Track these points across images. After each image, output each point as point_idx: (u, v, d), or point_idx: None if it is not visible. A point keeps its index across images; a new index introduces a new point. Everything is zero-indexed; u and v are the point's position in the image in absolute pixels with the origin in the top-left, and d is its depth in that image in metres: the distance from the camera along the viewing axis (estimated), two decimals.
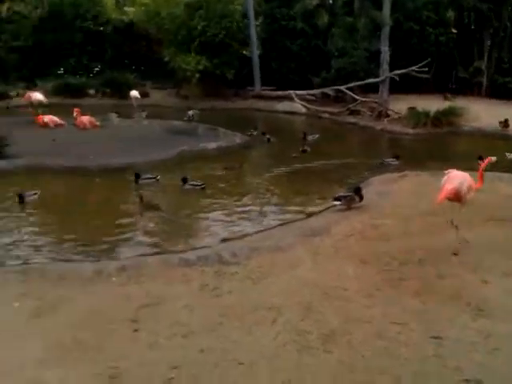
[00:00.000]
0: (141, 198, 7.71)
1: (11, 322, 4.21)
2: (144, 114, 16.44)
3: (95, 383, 3.47)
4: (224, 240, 6.40)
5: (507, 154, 10.41)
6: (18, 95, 18.89)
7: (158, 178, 8.78)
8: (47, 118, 11.34)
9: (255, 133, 13.79)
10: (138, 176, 8.66)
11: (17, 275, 5.14)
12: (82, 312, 4.38)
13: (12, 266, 5.65)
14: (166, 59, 19.69)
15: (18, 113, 15.82)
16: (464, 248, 5.84)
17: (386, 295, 4.82)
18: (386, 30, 16.81)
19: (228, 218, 7.48)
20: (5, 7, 22.32)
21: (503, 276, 5.17)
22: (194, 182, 8.68)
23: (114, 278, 5.01)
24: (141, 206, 7.68)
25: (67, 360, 3.68)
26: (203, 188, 8.63)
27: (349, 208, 7.31)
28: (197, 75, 18.67)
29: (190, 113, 15.39)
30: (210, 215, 7.66)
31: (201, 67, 18.48)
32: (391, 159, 10.58)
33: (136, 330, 4.07)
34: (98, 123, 11.76)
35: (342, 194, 7.43)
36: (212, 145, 11.82)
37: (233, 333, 4.11)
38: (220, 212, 7.77)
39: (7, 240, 6.59)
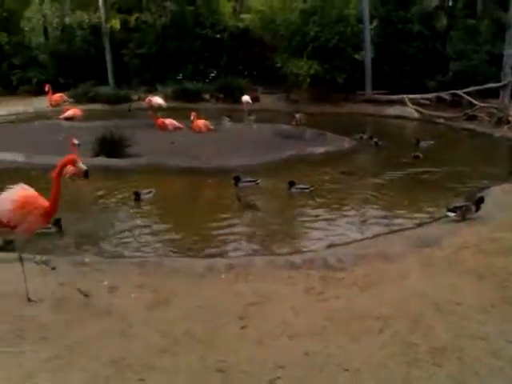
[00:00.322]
0: (239, 199, 8.02)
1: (128, 312, 4.51)
2: (253, 118, 16.89)
3: (203, 375, 3.62)
4: (330, 245, 6.39)
5: None
6: (139, 99, 20.24)
7: (258, 181, 8.92)
8: (167, 121, 12.05)
9: (364, 136, 13.61)
10: (237, 179, 8.87)
11: (134, 267, 5.52)
12: (193, 306, 4.62)
13: (130, 259, 6.12)
14: (279, 65, 20.02)
15: (139, 115, 16.98)
16: None
17: (502, 312, 4.54)
18: (511, 32, 15.73)
19: (334, 223, 7.46)
20: (133, 18, 24.11)
21: None
22: (302, 186, 8.77)
23: (223, 275, 5.23)
24: (241, 207, 7.97)
25: (179, 350, 3.89)
26: (311, 191, 8.69)
27: (463, 219, 6.95)
28: (308, 80, 18.77)
29: (298, 116, 15.53)
30: (316, 219, 7.66)
31: (312, 71, 18.56)
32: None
33: (243, 327, 4.22)
34: (212, 127, 12.28)
35: (457, 204, 7.08)
36: (320, 149, 11.83)
37: (338, 338, 4.10)
38: (326, 216, 7.76)
39: (124, 234, 7.12)
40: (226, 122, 16.03)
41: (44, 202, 4.65)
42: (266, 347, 3.94)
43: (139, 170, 10.06)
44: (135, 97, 20.93)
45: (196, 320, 4.34)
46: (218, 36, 23.92)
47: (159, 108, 14.96)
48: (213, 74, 23.10)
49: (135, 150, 10.85)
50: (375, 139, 12.90)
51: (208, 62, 23.82)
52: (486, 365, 3.79)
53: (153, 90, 21.40)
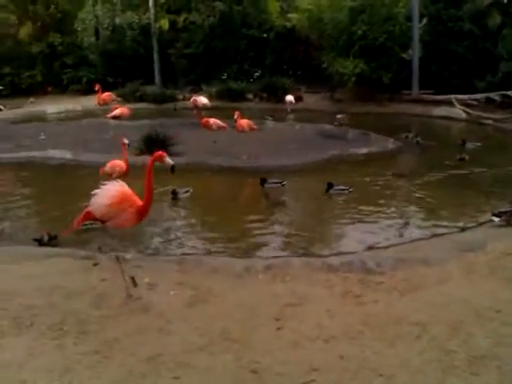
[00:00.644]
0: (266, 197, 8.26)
1: (167, 309, 4.64)
2: (292, 117, 16.85)
3: (238, 375, 3.69)
4: (368, 248, 6.35)
5: None
6: (184, 98, 20.59)
7: (284, 183, 8.84)
8: (212, 121, 12.22)
9: (410, 135, 13.46)
10: (264, 181, 8.83)
11: (174, 265, 5.65)
12: (231, 305, 4.70)
13: (170, 256, 6.26)
14: (325, 65, 19.92)
15: (184, 114, 17.27)
16: None
17: None
18: None
19: (374, 226, 7.38)
20: (181, 18, 24.53)
21: None
22: (341, 187, 8.72)
23: (260, 276, 5.29)
24: (279, 207, 8.09)
25: (214, 349, 3.97)
26: (350, 192, 8.64)
27: (508, 224, 6.76)
28: (353, 79, 18.59)
29: (339, 116, 15.43)
30: (356, 221, 7.61)
31: (358, 70, 18.37)
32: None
33: (279, 328, 4.27)
34: (255, 126, 12.37)
35: (502, 209, 6.89)
36: (363, 149, 11.71)
37: (374, 343, 4.10)
38: (366, 219, 7.69)
39: (162, 232, 7.29)
40: (269, 122, 16.09)
41: (138, 201, 4.82)
42: (301, 349, 3.97)
43: (181, 169, 10.21)
44: (180, 96, 21.29)
45: (233, 319, 4.42)
46: (265, 35, 24.00)
47: (204, 107, 15.16)
48: (257, 74, 23.21)
49: (179, 148, 11.06)
50: (417, 138, 12.85)
51: (253, 62, 23.95)
52: None
53: (198, 90, 21.72)
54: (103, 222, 4.88)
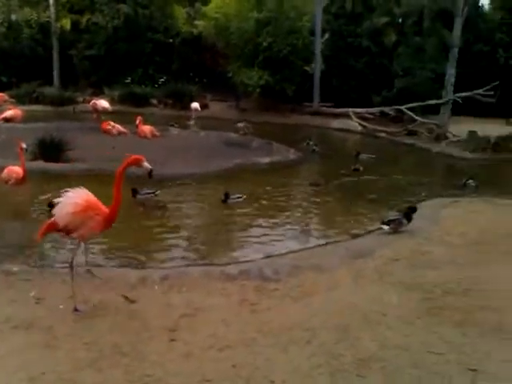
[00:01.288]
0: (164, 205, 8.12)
1: (54, 324, 4.38)
2: (192, 123, 16.84)
3: None
4: (266, 256, 6.46)
5: None
6: (84, 101, 19.84)
7: (158, 192, 8.73)
8: (112, 126, 11.85)
9: (311, 143, 14.02)
10: (135, 191, 8.65)
11: (63, 277, 5.25)
12: (123, 318, 4.54)
13: (59, 268, 5.73)
14: (230, 74, 20.12)
15: (84, 118, 16.62)
16: (510, 280, 5.68)
17: (426, 324, 4.74)
18: (454, 52, 16.50)
19: (273, 233, 7.52)
20: (84, 19, 23.63)
21: None
22: (237, 195, 8.78)
23: (156, 286, 5.19)
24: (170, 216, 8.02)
25: (104, 364, 3.81)
26: (244, 199, 8.73)
27: (396, 232, 7.22)
28: (258, 90, 18.96)
29: (240, 125, 15.70)
30: (255, 230, 7.72)
31: (262, 82, 18.76)
32: (470, 180, 10.43)
33: (173, 340, 4.20)
34: (158, 133, 12.17)
35: (390, 217, 7.33)
36: (266, 159, 11.97)
37: (267, 350, 4.16)
38: (265, 227, 7.83)
39: (52, 242, 6.77)
40: (173, 129, 15.94)
41: (105, 208, 4.56)
42: (194, 360, 3.94)
43: (77, 176, 9.77)
44: (80, 99, 20.51)
45: (124, 332, 4.28)
46: (171, 41, 23.80)
47: (104, 111, 14.68)
48: (162, 79, 22.94)
49: (76, 154, 10.59)
50: (315, 147, 13.69)
51: (158, 67, 23.65)
52: (407, 375, 3.94)
53: (100, 93, 21.03)
54: (68, 232, 4.57)
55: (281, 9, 19.34)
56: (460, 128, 15.32)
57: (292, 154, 12.71)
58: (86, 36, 23.57)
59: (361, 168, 11.55)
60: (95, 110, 13.78)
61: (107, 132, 11.90)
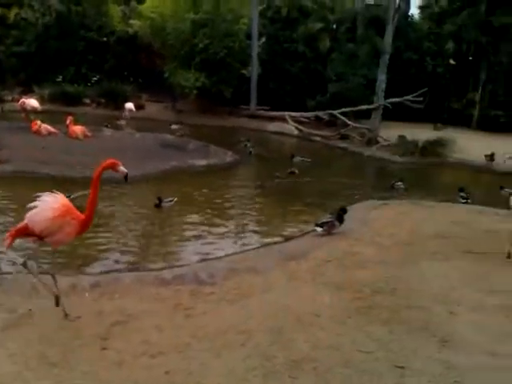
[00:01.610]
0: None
1: None
2: (124, 123, 16.52)
3: None
4: (202, 260, 6.45)
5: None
6: (12, 100, 18.96)
7: (72, 196, 8.50)
8: (41, 126, 11.38)
9: (248, 144, 14.16)
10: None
11: None
12: (52, 327, 4.39)
13: None
14: (166, 75, 19.89)
15: (12, 118, 15.87)
16: (436, 279, 5.96)
17: (357, 323, 4.90)
18: (385, 58, 17.11)
19: (207, 237, 7.51)
20: (12, 13, 22.55)
21: (471, 308, 5.26)
22: (169, 198, 8.69)
23: (87, 294, 5.05)
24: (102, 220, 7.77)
25: (30, 376, 3.68)
26: (177, 202, 8.66)
27: (329, 233, 7.41)
28: (194, 91, 18.86)
29: (175, 127, 15.57)
30: (191, 233, 7.68)
31: (199, 84, 18.67)
32: (399, 183, 10.81)
33: (104, 348, 4.10)
34: (90, 134, 11.81)
35: (324, 220, 7.52)
36: (202, 161, 11.92)
37: (201, 354, 4.16)
38: (201, 230, 7.80)
39: None
40: (107, 130, 15.54)
41: (79, 213, 4.48)
42: (126, 368, 3.86)
43: (4, 178, 9.34)
44: (9, 97, 19.56)
45: (53, 342, 4.13)
46: (105, 39, 23.20)
47: (33, 110, 14.07)
48: (95, 78, 22.32)
49: (4, 154, 10.11)
50: (251, 149, 13.95)
51: (91, 66, 23.00)
52: (338, 374, 4.06)
53: (29, 92, 20.15)
54: (41, 237, 4.40)
55: (217, 11, 19.37)
56: (390, 132, 15.94)
57: (229, 157, 12.75)
58: (15, 32, 22.52)
59: (296, 171, 11.76)
60: (24, 109, 13.20)
61: (37, 132, 11.42)
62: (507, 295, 5.59)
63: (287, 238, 7.32)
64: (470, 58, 20.36)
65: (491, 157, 13.46)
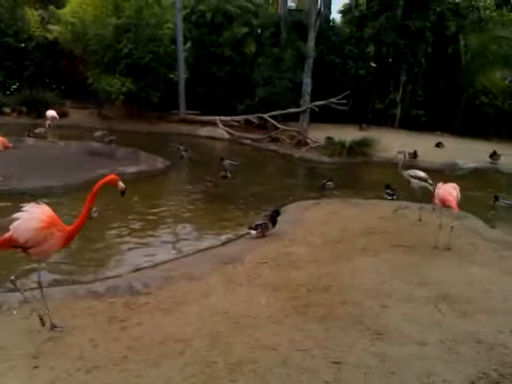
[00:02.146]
0: None
1: None
2: (42, 131, 15.90)
3: None
4: (136, 269, 6.32)
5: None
6: None
7: None
8: None
9: (181, 148, 14.20)
10: None
11: None
12: None
13: None
14: (90, 81, 19.32)
15: None
16: (368, 274, 6.18)
17: (294, 322, 4.98)
18: (309, 62, 17.51)
19: (141, 246, 7.36)
20: None
21: (401, 301, 5.51)
22: (94, 209, 8.41)
23: (15, 311, 4.81)
24: None
25: None
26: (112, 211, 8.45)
27: (263, 235, 7.49)
28: (121, 97, 18.44)
29: (98, 133, 15.20)
30: (122, 244, 7.50)
31: (125, 89, 18.28)
32: (330, 182, 11.10)
33: (36, 367, 3.93)
34: (10, 144, 11.24)
35: (257, 222, 7.59)
36: (132, 168, 11.66)
37: (138, 366, 4.07)
38: (134, 240, 7.63)
39: None
40: (29, 139, 14.85)
41: (64, 225, 4.50)
42: None
43: None
44: None
45: None
46: (23, 45, 22.17)
47: None
48: (15, 86, 21.28)
49: None
50: (183, 152, 14.07)
51: (10, 73, 21.90)
52: (277, 374, 4.11)
53: None
54: (25, 248, 4.37)
55: (140, 16, 19.06)
56: (318, 134, 16.34)
57: (160, 163, 12.56)
58: None
59: (229, 175, 11.78)
60: None
61: None
62: (435, 286, 5.90)
63: (223, 243, 7.31)
64: (390, 60, 21.24)
65: (414, 154, 14.11)
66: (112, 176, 5.01)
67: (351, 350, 4.49)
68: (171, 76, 20.66)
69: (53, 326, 4.50)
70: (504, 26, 21.94)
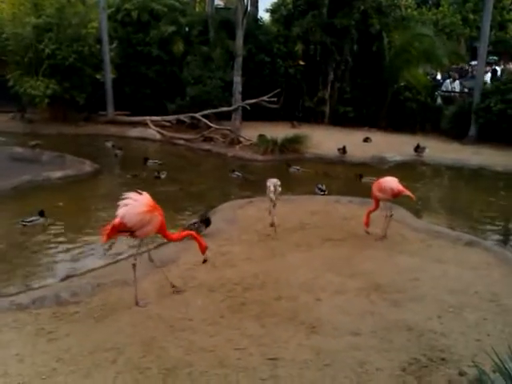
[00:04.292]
0: None
1: None
2: None
3: None
4: (64, 278, 6.05)
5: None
6: None
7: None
8: None
9: (111, 144, 14.25)
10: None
11: None
12: None
13: None
14: (11, 83, 18.35)
15: None
16: (302, 268, 6.26)
17: (230, 321, 4.97)
18: (238, 61, 17.48)
19: (70, 254, 7.06)
20: None
21: (334, 293, 5.62)
22: (33, 218, 8.03)
23: None
24: None
25: None
26: (46, 220, 8.09)
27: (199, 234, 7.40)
28: (46, 100, 17.63)
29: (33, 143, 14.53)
30: (49, 252, 7.16)
31: (50, 92, 17.50)
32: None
33: None
34: None
35: (189, 223, 7.49)
36: (58, 173, 11.16)
37: (68, 378, 3.92)
38: (63, 247, 7.31)
39: None
40: None
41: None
42: None
43: None
44: None
45: None
46: None
47: None
48: None
49: None
50: (117, 151, 14.03)
51: None
52: (214, 375, 4.08)
53: None
54: (132, 231, 5.08)
55: (62, 15, 18.29)
56: (251, 132, 16.36)
57: (88, 166, 12.10)
58: None
59: (162, 176, 11.57)
60: None
61: None
62: (366, 276, 6.07)
63: (157, 245, 7.13)
64: (318, 59, 21.61)
65: (343, 150, 14.47)
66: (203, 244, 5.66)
67: (287, 345, 4.53)
68: (98, 76, 19.99)
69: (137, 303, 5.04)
70: (424, 24, 23.02)
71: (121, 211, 5.02)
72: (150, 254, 5.59)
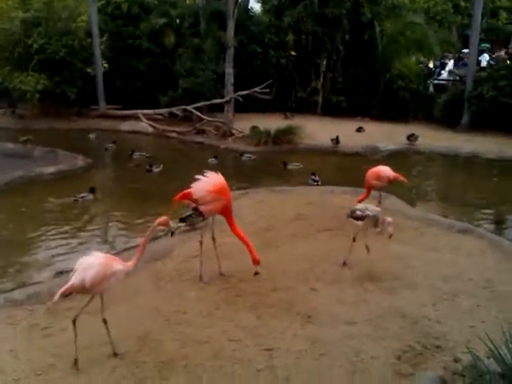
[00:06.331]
0: None
1: None
2: None
3: None
4: (59, 273, 6.02)
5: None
6: None
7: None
8: None
9: (109, 145, 14.13)
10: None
11: None
12: None
13: None
14: (0, 79, 18.20)
15: None
16: (297, 259, 6.27)
17: (225, 313, 4.97)
18: (230, 52, 17.39)
19: (63, 249, 7.00)
20: None
21: (330, 283, 5.64)
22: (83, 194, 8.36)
23: None
24: None
25: None
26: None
27: (193, 228, 7.39)
28: (37, 95, 17.50)
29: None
30: (43, 248, 7.11)
31: (40, 87, 17.36)
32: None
33: None
34: None
35: (185, 214, 7.47)
36: (50, 169, 11.10)
37: (65, 374, 3.91)
38: (58, 242, 7.28)
39: None
40: None
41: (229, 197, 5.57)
42: None
43: None
44: None
45: None
46: None
47: None
48: None
49: None
50: (109, 145, 14.13)
51: None
52: (209, 367, 4.09)
53: None
54: (197, 204, 5.61)
55: (51, 9, 18.10)
56: (244, 124, 16.32)
57: (80, 161, 12.04)
58: None
59: (154, 169, 11.53)
60: None
61: None
62: (361, 265, 6.07)
63: (152, 238, 7.10)
64: (310, 49, 21.53)
65: (336, 140, 14.46)
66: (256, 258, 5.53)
67: (283, 335, 4.54)
68: (88, 70, 19.87)
69: (200, 278, 5.46)
70: (416, 12, 22.93)
71: (195, 183, 5.56)
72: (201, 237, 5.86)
